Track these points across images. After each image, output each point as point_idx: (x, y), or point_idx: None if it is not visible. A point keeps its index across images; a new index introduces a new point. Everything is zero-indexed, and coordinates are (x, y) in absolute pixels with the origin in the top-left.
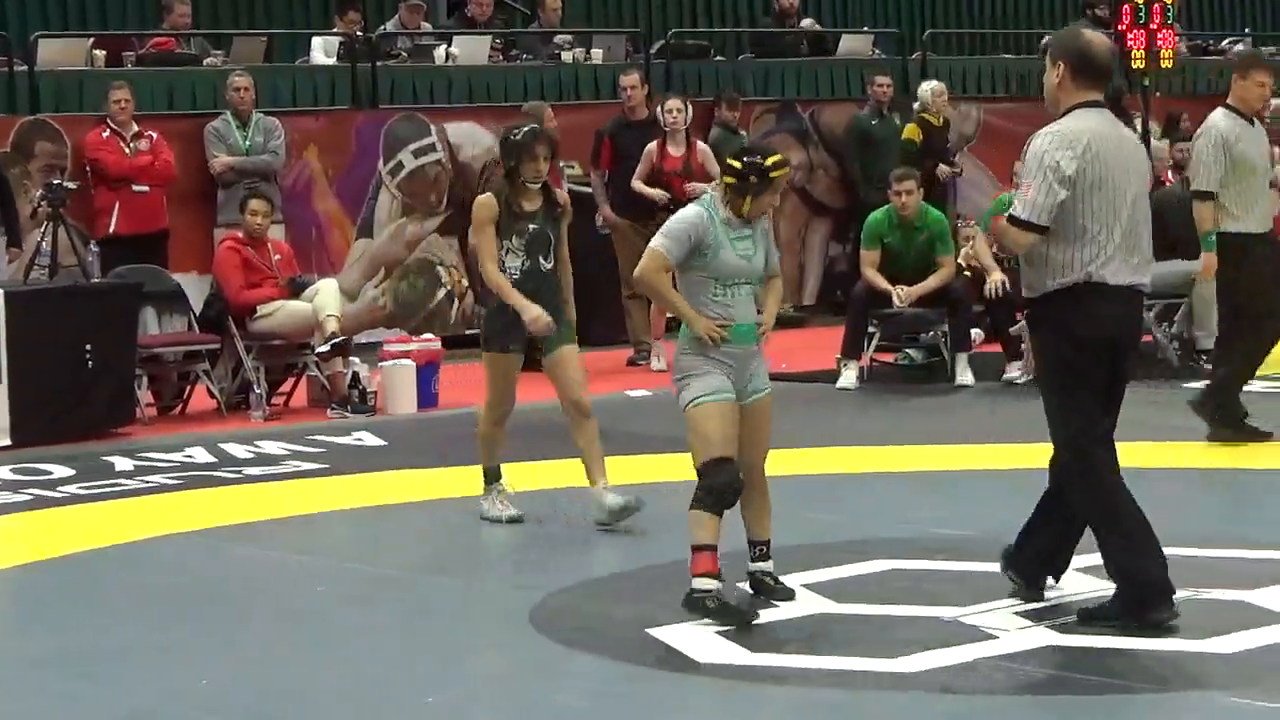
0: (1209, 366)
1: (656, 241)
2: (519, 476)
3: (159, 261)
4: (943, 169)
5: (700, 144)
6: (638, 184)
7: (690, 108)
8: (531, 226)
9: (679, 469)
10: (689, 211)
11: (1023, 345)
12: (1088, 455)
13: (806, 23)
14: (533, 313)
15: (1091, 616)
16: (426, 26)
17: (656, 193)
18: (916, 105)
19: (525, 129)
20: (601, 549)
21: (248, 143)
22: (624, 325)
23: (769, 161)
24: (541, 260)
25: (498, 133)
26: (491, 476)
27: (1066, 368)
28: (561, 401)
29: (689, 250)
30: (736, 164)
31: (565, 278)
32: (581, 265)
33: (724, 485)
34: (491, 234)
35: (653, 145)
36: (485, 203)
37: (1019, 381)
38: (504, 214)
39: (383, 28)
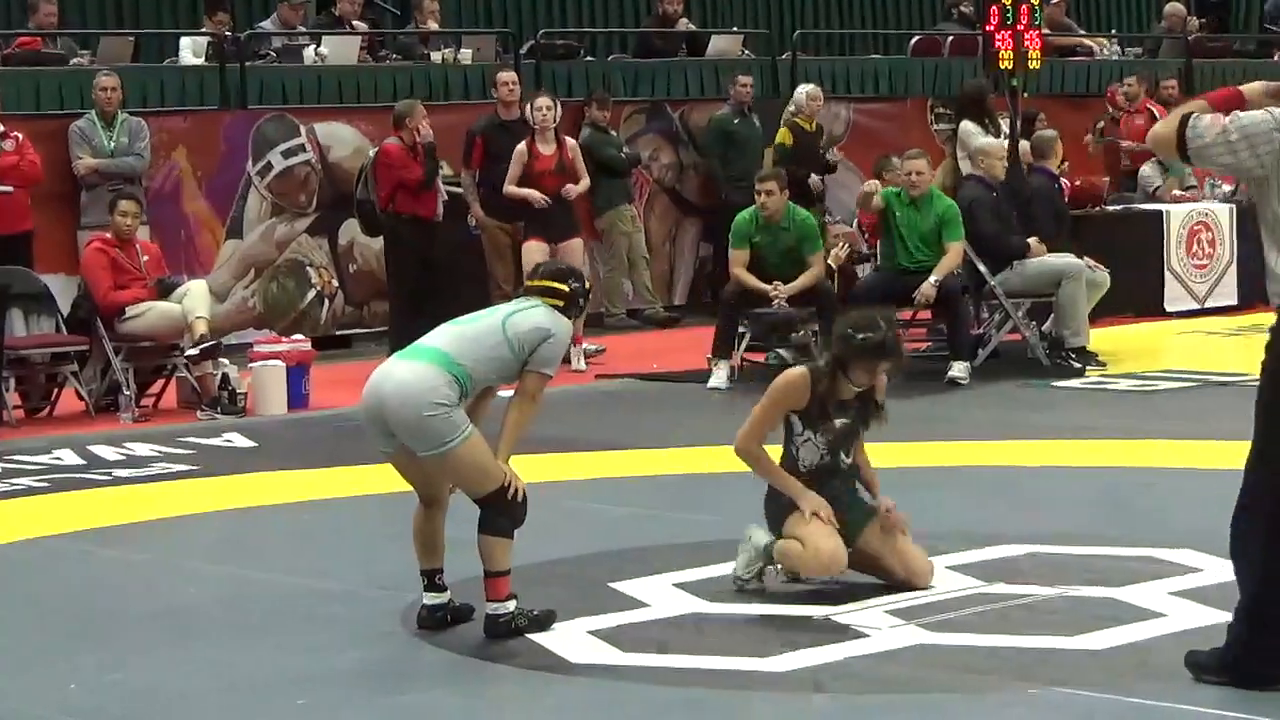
0: (1076, 364)
1: None
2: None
3: (24, 263)
4: (814, 180)
5: (570, 140)
6: (511, 188)
7: (559, 106)
8: (842, 422)
9: (563, 469)
10: None
11: None
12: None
13: (682, 24)
14: (814, 503)
15: (1200, 667)
16: (302, 26)
17: (534, 195)
18: (790, 109)
19: (876, 336)
20: (471, 551)
21: (112, 144)
22: None
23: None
24: (843, 456)
25: (367, 132)
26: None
27: None
28: (904, 576)
29: None
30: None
31: (868, 474)
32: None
33: (526, 512)
34: (778, 418)
35: (522, 146)
36: (796, 385)
37: None
38: (813, 404)
39: (258, 26)
